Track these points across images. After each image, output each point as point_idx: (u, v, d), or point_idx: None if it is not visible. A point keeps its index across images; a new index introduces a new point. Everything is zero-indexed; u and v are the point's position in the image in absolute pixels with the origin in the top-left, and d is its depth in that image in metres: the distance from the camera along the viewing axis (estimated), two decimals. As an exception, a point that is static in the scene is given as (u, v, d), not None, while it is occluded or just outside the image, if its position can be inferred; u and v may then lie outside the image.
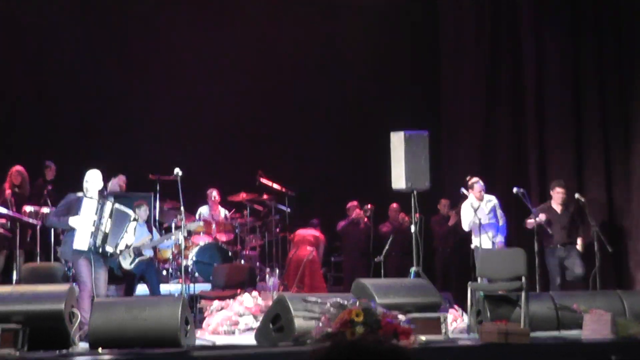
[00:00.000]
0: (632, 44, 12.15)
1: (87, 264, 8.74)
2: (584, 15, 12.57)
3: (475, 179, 11.22)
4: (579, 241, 11.15)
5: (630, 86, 12.19)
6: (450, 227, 12.37)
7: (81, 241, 8.73)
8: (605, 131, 12.39)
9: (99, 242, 8.75)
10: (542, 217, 10.88)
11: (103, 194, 9.12)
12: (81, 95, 13.84)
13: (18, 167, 11.62)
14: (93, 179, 9.03)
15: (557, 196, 11.27)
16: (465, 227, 11.27)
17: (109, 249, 8.83)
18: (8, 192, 11.39)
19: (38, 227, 11.25)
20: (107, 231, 8.78)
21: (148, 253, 10.95)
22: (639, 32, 12.11)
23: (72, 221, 8.72)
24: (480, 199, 11.13)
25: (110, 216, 8.84)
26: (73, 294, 8.30)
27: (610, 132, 12.37)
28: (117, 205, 8.95)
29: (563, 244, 11.12)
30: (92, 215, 8.78)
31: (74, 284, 10.28)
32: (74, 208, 8.86)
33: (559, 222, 11.18)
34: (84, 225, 8.73)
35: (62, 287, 8.44)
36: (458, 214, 11.71)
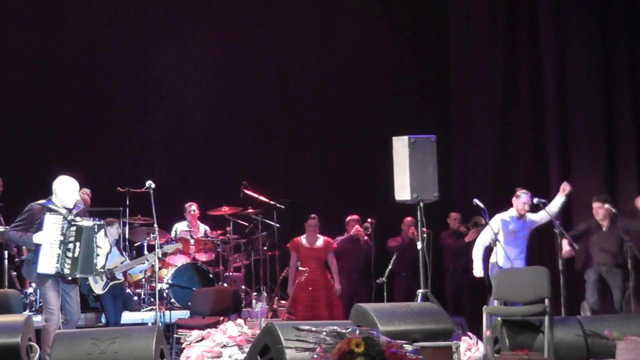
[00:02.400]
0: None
1: (55, 290, 8.66)
2: (615, 3, 12.65)
3: (524, 190, 11.06)
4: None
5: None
6: (464, 244, 12.34)
7: (47, 264, 8.58)
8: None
9: (67, 270, 8.64)
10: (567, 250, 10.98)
11: (70, 211, 8.91)
12: (37, 98, 14.06)
13: None
14: (65, 188, 8.85)
15: (595, 212, 11.28)
16: (477, 249, 11.07)
17: (79, 274, 8.77)
18: None
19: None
20: (77, 256, 8.65)
21: (120, 277, 11.02)
22: None
23: (37, 238, 8.58)
24: (522, 214, 11.00)
25: (80, 239, 8.70)
26: (30, 325, 8.25)
27: None
28: (82, 223, 8.77)
29: (605, 264, 11.16)
30: (57, 233, 8.63)
31: (32, 312, 10.24)
32: (37, 221, 8.68)
33: (602, 241, 11.20)
34: (49, 245, 8.58)
35: (18, 318, 8.38)
36: (474, 229, 11.77)
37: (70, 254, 8.66)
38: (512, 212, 11.06)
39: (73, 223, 8.69)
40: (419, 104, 14.51)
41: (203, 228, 13.09)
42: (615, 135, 12.62)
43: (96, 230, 8.85)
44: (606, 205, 11.16)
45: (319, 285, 12.04)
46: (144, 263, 11.21)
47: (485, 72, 13.92)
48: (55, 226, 8.65)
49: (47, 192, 10.42)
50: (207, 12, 14.74)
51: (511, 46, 13.59)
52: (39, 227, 8.64)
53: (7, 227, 11.19)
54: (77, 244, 8.67)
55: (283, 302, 12.38)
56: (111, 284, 10.89)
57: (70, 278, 8.71)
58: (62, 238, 8.64)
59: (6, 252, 11.47)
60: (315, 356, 7.55)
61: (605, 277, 11.17)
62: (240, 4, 14.86)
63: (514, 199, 11.05)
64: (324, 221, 13.25)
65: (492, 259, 10.92)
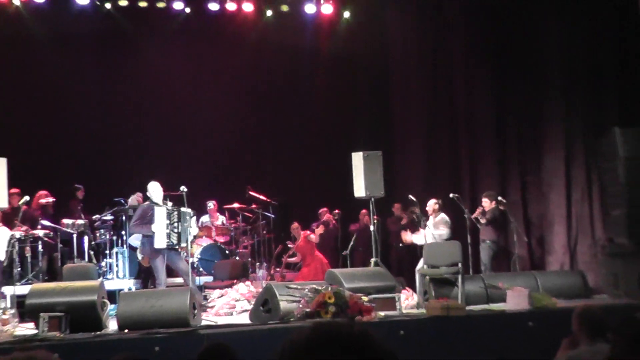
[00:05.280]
0: (540, 82, 12.37)
1: (162, 260, 9.01)
2: (504, 60, 12.68)
3: (431, 202, 11.05)
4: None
5: (540, 113, 12.37)
6: (402, 225, 12.22)
7: (160, 241, 8.97)
8: (521, 149, 12.56)
9: (174, 240, 9.00)
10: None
11: (167, 202, 9.29)
12: (102, 131, 13.78)
13: (43, 192, 11.56)
14: (155, 189, 9.26)
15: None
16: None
17: (183, 244, 9.10)
18: (40, 210, 11.39)
19: (74, 236, 11.30)
20: (180, 231, 9.02)
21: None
22: (544, 74, 12.32)
23: (154, 227, 8.99)
24: (433, 214, 11.01)
25: (180, 219, 9.04)
26: (103, 288, 8.30)
27: (525, 150, 12.53)
28: (182, 209, 9.14)
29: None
30: (164, 220, 8.97)
31: (105, 279, 10.25)
32: (148, 215, 9.05)
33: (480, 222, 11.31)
34: (160, 229, 8.94)
35: (95, 283, 8.49)
36: (409, 216, 11.73)
37: (176, 230, 9.00)
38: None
39: (176, 209, 9.04)
40: (371, 129, 14.26)
41: (221, 218, 13.04)
42: (504, 149, 12.65)
43: (191, 216, 9.18)
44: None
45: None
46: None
47: (416, 106, 13.79)
48: (162, 215, 8.99)
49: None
50: (220, 69, 14.25)
51: (435, 87, 13.48)
52: (151, 219, 9.01)
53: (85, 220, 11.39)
54: (179, 223, 9.00)
55: (278, 269, 12.31)
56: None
57: (177, 247, 9.03)
58: (167, 222, 8.97)
59: (86, 238, 11.46)
60: (300, 306, 7.72)
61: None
62: (244, 60, 14.33)
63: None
64: (303, 211, 13.37)
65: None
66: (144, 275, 11.11)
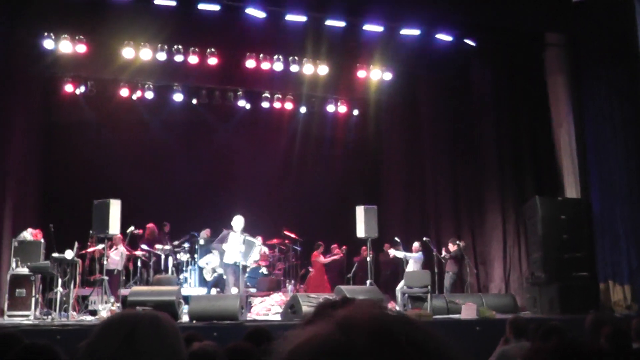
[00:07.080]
0: (482, 163, 12.31)
1: (231, 272, 8.92)
2: (457, 148, 12.66)
3: (416, 243, 11.15)
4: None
5: (483, 185, 12.27)
6: (389, 259, 12.06)
7: (228, 258, 8.90)
8: (471, 209, 12.45)
9: (238, 258, 8.83)
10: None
11: (242, 232, 9.02)
12: (186, 186, 13.74)
13: (151, 224, 11.73)
14: (236, 221, 9.15)
15: (450, 246, 11.36)
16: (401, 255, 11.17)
17: (244, 262, 8.91)
18: (145, 238, 11.51)
19: (162, 257, 11.35)
20: (243, 252, 8.87)
21: (219, 270, 10.72)
22: (485, 157, 12.25)
23: (224, 246, 8.93)
24: (415, 251, 11.09)
25: (243, 243, 8.91)
26: (179, 292, 8.32)
27: (473, 210, 12.41)
28: (247, 237, 8.92)
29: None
30: (235, 243, 8.82)
31: (181, 286, 10.20)
32: (224, 239, 9.01)
33: (445, 259, 11.23)
34: (230, 249, 8.79)
35: (174, 288, 8.56)
36: (394, 252, 11.61)
37: (242, 252, 8.86)
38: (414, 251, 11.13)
39: (244, 238, 8.88)
40: (368, 189, 14.16)
41: (264, 249, 12.89)
42: (459, 208, 12.50)
43: (255, 245, 8.94)
44: (457, 241, 11.15)
45: (321, 281, 12.01)
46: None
47: (399, 175, 13.71)
48: (235, 239, 8.89)
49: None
50: (263, 129, 13.82)
51: (411, 164, 13.41)
52: (223, 240, 8.99)
53: (170, 246, 11.40)
54: (243, 246, 8.84)
55: (301, 286, 12.21)
56: (214, 274, 10.69)
57: (239, 264, 8.79)
58: (238, 245, 8.81)
59: (170, 258, 11.45)
60: (316, 310, 7.68)
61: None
62: (280, 128, 13.90)
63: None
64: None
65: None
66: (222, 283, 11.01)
